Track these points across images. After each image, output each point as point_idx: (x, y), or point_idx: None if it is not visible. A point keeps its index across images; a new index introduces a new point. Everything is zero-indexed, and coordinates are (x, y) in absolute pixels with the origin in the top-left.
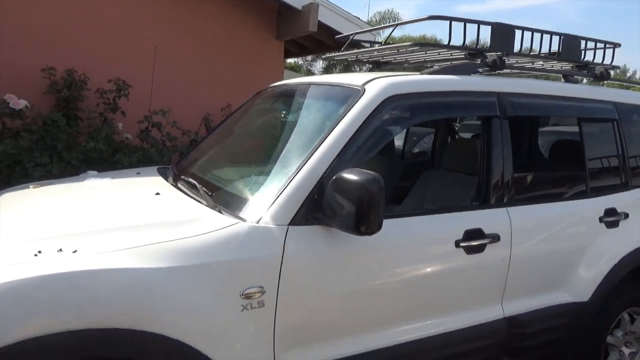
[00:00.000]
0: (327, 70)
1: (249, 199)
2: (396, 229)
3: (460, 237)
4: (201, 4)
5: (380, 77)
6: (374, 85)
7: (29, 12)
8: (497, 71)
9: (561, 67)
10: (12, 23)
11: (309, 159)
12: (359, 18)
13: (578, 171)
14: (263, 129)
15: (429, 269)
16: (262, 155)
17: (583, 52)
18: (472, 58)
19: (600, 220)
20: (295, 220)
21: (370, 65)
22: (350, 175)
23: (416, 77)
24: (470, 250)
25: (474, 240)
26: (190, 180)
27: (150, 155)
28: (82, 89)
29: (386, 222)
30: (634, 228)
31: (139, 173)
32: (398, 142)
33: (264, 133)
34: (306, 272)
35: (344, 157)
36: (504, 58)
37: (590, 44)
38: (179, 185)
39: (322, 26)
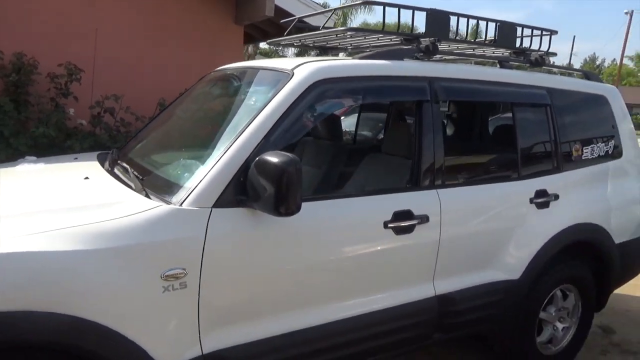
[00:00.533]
0: (299, 55)
1: (175, 182)
2: (323, 211)
3: (389, 218)
4: None
5: (311, 61)
6: (303, 70)
7: None
8: (436, 57)
9: (501, 53)
10: None
11: (234, 141)
12: (319, 4)
13: (511, 155)
14: (200, 113)
15: (356, 249)
16: (195, 139)
17: (520, 39)
18: (408, 44)
19: (531, 201)
20: (220, 203)
21: (318, 51)
22: (270, 157)
23: (345, 61)
24: (399, 231)
25: (403, 221)
26: (124, 164)
27: (103, 141)
28: (31, 74)
29: (314, 204)
30: (564, 209)
31: (76, 158)
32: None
33: (201, 117)
34: (230, 254)
35: (271, 139)
36: (436, 43)
37: (527, 32)
38: (115, 170)
39: (280, 11)
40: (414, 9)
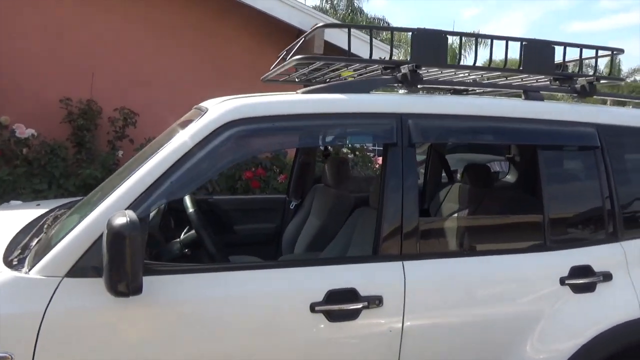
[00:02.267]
0: None
1: (46, 246)
2: (208, 287)
3: (320, 298)
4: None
5: (241, 97)
6: (218, 107)
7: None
8: (432, 88)
9: (535, 81)
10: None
11: (107, 197)
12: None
13: (533, 215)
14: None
15: (262, 340)
16: (99, 193)
17: (562, 62)
18: (389, 73)
19: (563, 282)
20: (74, 271)
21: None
22: (112, 218)
23: (275, 98)
24: (334, 317)
25: (342, 304)
26: (44, 220)
27: None
28: (96, 118)
29: (196, 278)
30: (620, 294)
31: (38, 205)
32: None
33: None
34: (76, 336)
35: (155, 194)
36: (417, 71)
37: (572, 52)
38: (31, 224)
39: (330, 45)
40: (392, 29)
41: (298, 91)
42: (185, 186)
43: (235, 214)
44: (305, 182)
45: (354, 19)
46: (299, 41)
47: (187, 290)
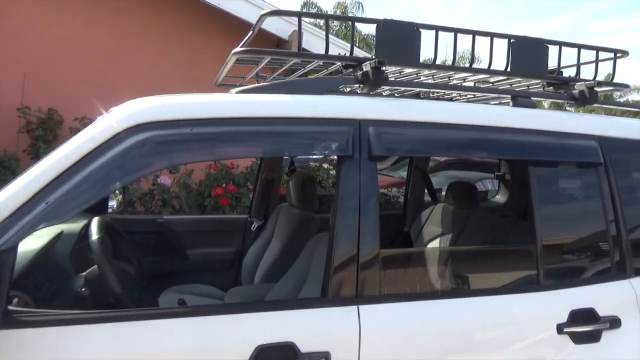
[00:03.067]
0: None
1: None
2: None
3: (247, 357)
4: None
5: (156, 97)
6: (120, 110)
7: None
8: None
9: (527, 87)
10: None
11: None
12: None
13: (522, 246)
14: None
15: None
16: None
17: (558, 63)
18: (354, 71)
19: (561, 329)
20: None
21: None
22: None
23: (198, 98)
24: None
25: None
26: None
27: None
28: (57, 129)
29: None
30: (630, 344)
31: None
32: None
33: None
34: None
35: (30, 214)
36: (381, 68)
37: (569, 54)
38: None
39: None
40: (352, 19)
41: (232, 90)
42: (72, 206)
43: (189, 237)
44: (270, 201)
45: (347, 35)
46: (249, 37)
47: (60, 352)
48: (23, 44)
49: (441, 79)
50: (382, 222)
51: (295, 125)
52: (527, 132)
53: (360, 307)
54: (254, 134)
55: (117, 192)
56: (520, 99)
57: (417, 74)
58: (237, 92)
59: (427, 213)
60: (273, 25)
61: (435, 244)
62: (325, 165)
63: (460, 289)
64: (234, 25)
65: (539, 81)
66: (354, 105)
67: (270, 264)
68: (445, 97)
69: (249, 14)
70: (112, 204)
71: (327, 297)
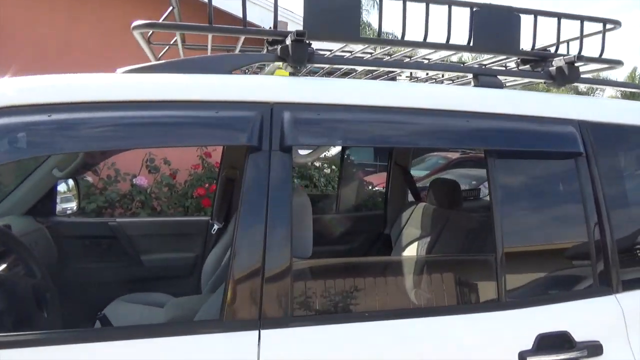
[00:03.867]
0: None
1: None
2: None
3: None
4: None
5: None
6: None
7: None
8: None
9: (494, 63)
10: None
11: None
12: None
13: (483, 255)
14: None
15: None
16: None
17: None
18: (273, 48)
19: (523, 359)
20: None
21: None
22: None
23: (65, 79)
24: None
25: None
26: None
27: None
28: None
29: None
30: None
31: None
32: None
33: None
34: None
35: None
36: (305, 40)
37: (548, 22)
38: None
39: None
40: None
41: (118, 70)
42: None
43: (146, 241)
44: (231, 202)
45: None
46: (169, 11)
47: None
48: (6, 42)
49: (399, 58)
50: (362, 224)
51: (189, 110)
52: (487, 117)
53: (263, 332)
54: (132, 120)
55: (71, 194)
56: (484, 78)
57: (370, 53)
58: (124, 72)
59: (408, 213)
60: (257, 17)
61: (412, 248)
62: (318, 164)
63: (395, 308)
64: (224, 21)
65: (513, 59)
66: (264, 86)
67: (223, 271)
68: (410, 79)
69: (239, 9)
70: (69, 206)
71: (222, 321)
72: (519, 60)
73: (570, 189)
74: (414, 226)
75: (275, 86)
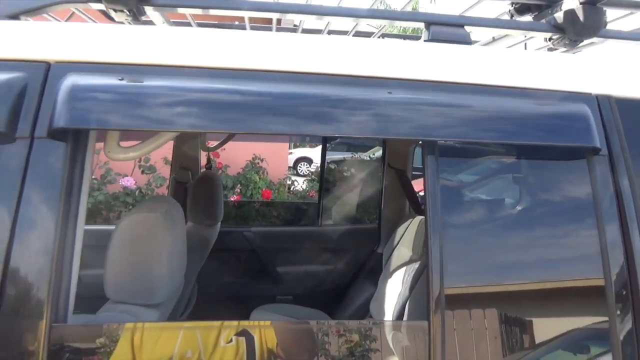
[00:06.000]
0: None
1: None
2: None
3: None
4: None
5: None
6: None
7: None
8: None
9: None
10: None
11: None
12: None
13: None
14: None
15: None
16: None
17: None
18: None
19: None
20: None
21: None
22: None
23: None
24: None
25: None
26: None
27: None
28: None
29: None
30: None
31: None
32: None
33: None
34: None
35: None
36: None
37: None
38: None
39: None
40: None
41: None
42: None
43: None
44: (185, 210)
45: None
46: None
47: None
48: None
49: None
50: (353, 241)
51: None
52: (429, 88)
53: None
54: None
55: None
56: (437, 28)
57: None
58: None
59: (403, 229)
60: None
61: (399, 274)
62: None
63: None
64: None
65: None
66: (44, 35)
67: None
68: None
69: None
70: None
71: None
72: (512, 8)
73: (581, 197)
74: (406, 245)
75: (60, 35)
